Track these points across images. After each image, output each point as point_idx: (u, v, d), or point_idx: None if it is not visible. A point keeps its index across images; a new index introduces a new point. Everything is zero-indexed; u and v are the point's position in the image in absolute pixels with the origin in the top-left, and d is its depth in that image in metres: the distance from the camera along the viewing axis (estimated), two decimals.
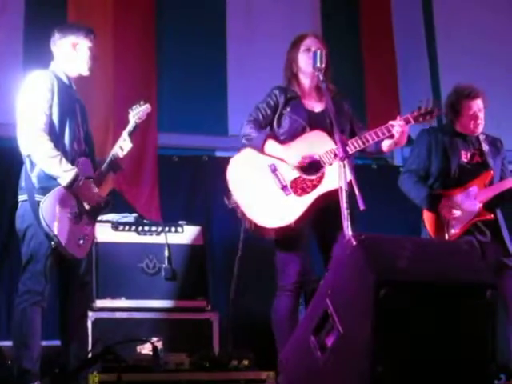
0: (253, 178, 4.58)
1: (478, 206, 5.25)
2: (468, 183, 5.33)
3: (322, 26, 7.93)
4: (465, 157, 5.40)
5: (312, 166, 4.56)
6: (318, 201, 4.50)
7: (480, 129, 5.42)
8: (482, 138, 5.46)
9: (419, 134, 5.56)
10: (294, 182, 4.55)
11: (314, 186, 4.53)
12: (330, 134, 4.53)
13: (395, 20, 8.26)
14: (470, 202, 5.26)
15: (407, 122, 4.58)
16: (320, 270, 4.55)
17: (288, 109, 4.69)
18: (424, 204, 5.38)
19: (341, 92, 4.80)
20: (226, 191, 4.61)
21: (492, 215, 5.26)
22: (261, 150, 4.58)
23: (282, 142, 4.62)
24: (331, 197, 4.36)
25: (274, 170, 4.57)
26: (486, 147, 5.43)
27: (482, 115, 5.40)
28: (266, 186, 4.55)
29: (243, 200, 4.53)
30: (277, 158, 4.59)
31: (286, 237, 4.55)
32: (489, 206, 5.28)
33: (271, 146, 4.59)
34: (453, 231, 5.25)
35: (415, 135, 5.75)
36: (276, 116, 4.72)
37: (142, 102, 4.83)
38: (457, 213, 5.24)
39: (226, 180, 4.60)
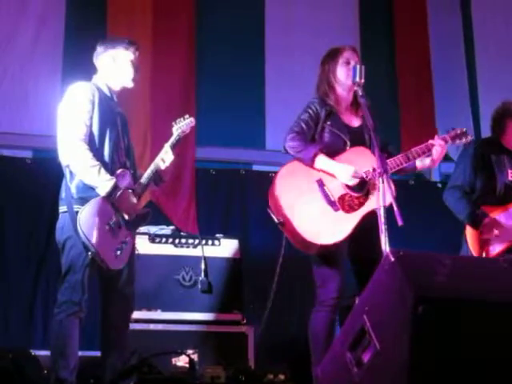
0: (300, 192, 4.51)
1: None
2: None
3: (360, 40, 7.93)
4: (511, 176, 5.35)
5: (359, 183, 4.53)
6: (364, 219, 4.47)
7: None
8: None
9: (464, 149, 5.51)
10: (342, 198, 4.51)
11: (361, 204, 4.50)
12: (370, 150, 4.55)
13: (432, 39, 8.25)
14: (511, 222, 5.21)
15: (445, 141, 4.63)
16: (354, 287, 4.53)
17: (328, 122, 4.66)
18: (467, 220, 5.33)
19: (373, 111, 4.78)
20: (270, 205, 4.56)
21: None
22: (310, 163, 4.54)
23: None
24: (373, 215, 4.37)
25: (321, 185, 4.53)
26: None
27: None
28: (313, 201, 4.49)
29: (292, 215, 4.46)
30: (326, 173, 4.55)
31: (328, 253, 4.51)
32: None
33: (322, 160, 4.54)
34: (492, 249, 5.20)
35: (452, 153, 5.74)
36: (318, 129, 4.68)
37: (186, 116, 4.87)
38: (498, 232, 5.19)
39: (273, 194, 4.53)
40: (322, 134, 4.67)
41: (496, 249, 5.20)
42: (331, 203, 4.49)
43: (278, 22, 7.89)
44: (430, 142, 4.59)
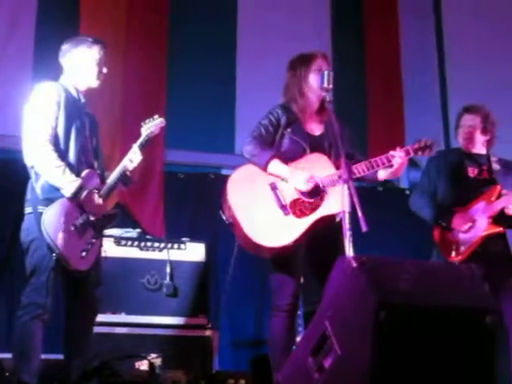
0: (252, 195, 4.52)
1: (486, 220, 5.24)
2: (476, 199, 5.34)
3: (332, 45, 7.96)
4: (472, 172, 5.43)
5: (313, 189, 4.53)
6: (316, 224, 4.47)
7: (467, 144, 5.48)
8: (493, 159, 5.47)
9: (430, 156, 5.58)
10: (294, 202, 4.51)
11: (313, 209, 4.50)
12: (329, 157, 4.58)
13: (404, 36, 8.29)
14: (478, 217, 5.26)
15: (407, 153, 4.56)
16: (319, 292, 4.53)
17: (289, 129, 4.66)
18: (436, 220, 5.40)
19: (341, 117, 4.79)
20: (222, 206, 4.57)
21: (501, 228, 5.26)
22: (264, 168, 4.55)
23: (284, 163, 4.60)
24: (328, 221, 4.37)
25: (274, 189, 4.54)
26: (496, 167, 5.43)
27: (472, 131, 5.46)
28: (265, 204, 4.50)
29: (242, 216, 4.47)
30: (279, 178, 4.55)
31: (283, 258, 4.52)
32: (498, 220, 5.27)
33: (276, 165, 4.55)
34: (463, 248, 5.25)
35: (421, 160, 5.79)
36: (278, 136, 4.69)
37: (156, 116, 4.82)
38: (468, 227, 5.23)
39: (224, 195, 4.54)
40: (282, 141, 4.67)
41: (465, 248, 5.24)
42: (282, 207, 4.49)
43: (251, 25, 7.90)
44: (391, 153, 4.54)
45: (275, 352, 4.49)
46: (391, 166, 4.55)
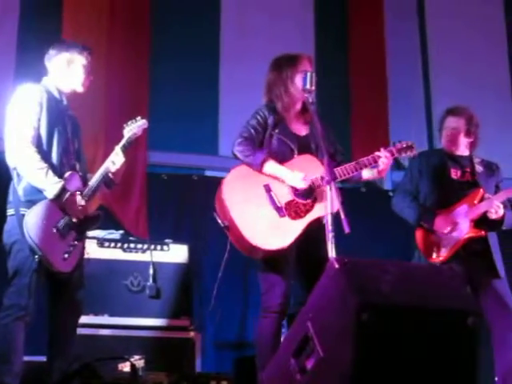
0: (247, 197, 4.52)
1: (469, 223, 5.25)
2: (459, 201, 5.34)
3: (315, 47, 7.97)
4: (455, 174, 5.43)
5: (306, 191, 4.55)
6: (309, 226, 4.49)
7: (450, 146, 5.48)
8: (476, 160, 5.48)
9: (412, 157, 5.58)
10: (288, 204, 4.53)
11: (307, 211, 4.53)
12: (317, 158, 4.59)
13: (388, 39, 8.31)
14: (460, 220, 5.26)
15: (391, 154, 4.67)
16: (302, 293, 4.53)
17: (276, 130, 4.68)
18: (418, 222, 5.40)
19: (324, 118, 4.80)
20: (216, 209, 4.56)
21: (483, 232, 5.25)
22: (259, 169, 4.56)
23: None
24: (318, 222, 4.39)
25: (268, 190, 4.55)
26: (479, 168, 5.43)
27: (456, 133, 5.45)
28: (260, 206, 4.51)
29: (239, 218, 4.46)
30: (274, 179, 4.57)
31: (274, 259, 4.52)
32: (480, 223, 5.28)
33: (271, 165, 4.57)
34: (444, 250, 5.25)
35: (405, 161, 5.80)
36: (266, 136, 4.70)
37: (138, 118, 4.82)
38: (448, 231, 5.24)
39: (220, 198, 4.53)
40: (270, 141, 4.68)
41: (446, 250, 5.25)
42: (278, 209, 4.50)
43: (234, 27, 7.91)
44: (376, 153, 4.63)
45: (262, 353, 4.47)
46: (377, 166, 4.62)
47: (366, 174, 4.73)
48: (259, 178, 4.57)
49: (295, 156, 4.65)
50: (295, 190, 4.55)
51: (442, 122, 5.56)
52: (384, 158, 4.61)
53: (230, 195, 4.53)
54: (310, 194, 4.55)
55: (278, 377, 3.53)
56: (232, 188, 4.56)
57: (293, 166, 4.59)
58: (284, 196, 4.55)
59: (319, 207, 4.50)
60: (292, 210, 4.52)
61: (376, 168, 4.66)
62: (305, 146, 4.68)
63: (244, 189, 4.55)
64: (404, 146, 4.74)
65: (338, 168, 4.56)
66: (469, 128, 5.46)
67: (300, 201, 4.54)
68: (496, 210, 5.21)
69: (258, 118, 4.70)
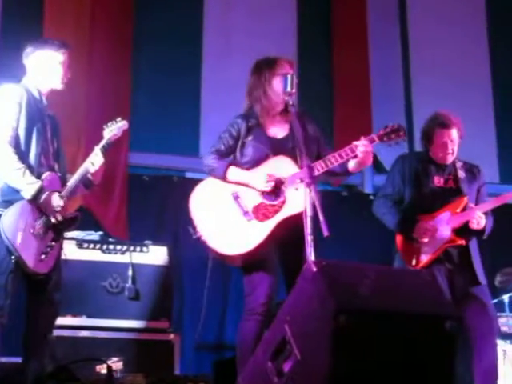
0: (215, 208, 4.57)
1: (450, 231, 5.24)
2: (441, 208, 5.32)
3: (298, 44, 7.98)
4: (438, 182, 5.39)
5: (275, 192, 4.54)
6: (281, 226, 4.47)
7: (449, 159, 5.39)
8: (458, 165, 5.42)
9: (394, 160, 5.57)
10: (256, 207, 4.53)
11: (276, 211, 4.51)
12: (294, 159, 4.52)
13: (371, 39, 8.32)
14: (442, 227, 5.25)
15: (371, 141, 4.55)
16: (282, 294, 4.52)
17: (250, 137, 4.67)
18: (398, 228, 5.37)
19: (307, 113, 4.79)
20: (190, 221, 4.58)
21: (463, 241, 5.23)
22: (223, 178, 4.59)
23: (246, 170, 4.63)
24: (295, 222, 4.36)
25: (236, 198, 4.56)
26: (462, 174, 5.39)
27: (453, 146, 5.37)
28: (228, 215, 4.53)
29: (206, 230, 4.51)
30: (240, 184, 4.58)
31: (253, 263, 4.52)
32: (461, 232, 5.27)
33: (234, 172, 4.59)
34: (424, 257, 5.24)
35: (387, 164, 5.79)
36: (238, 145, 4.70)
37: (118, 119, 4.81)
38: (429, 237, 5.23)
39: (190, 211, 4.58)
40: (244, 150, 4.68)
41: (428, 254, 5.24)
42: (245, 214, 4.52)
43: (217, 26, 7.90)
44: (354, 143, 4.52)
45: (243, 355, 4.43)
46: (356, 156, 4.54)
47: (352, 165, 4.66)
48: (227, 187, 4.60)
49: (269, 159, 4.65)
50: (263, 192, 4.55)
51: (437, 135, 5.38)
52: (362, 146, 4.48)
53: (198, 208, 4.58)
54: (279, 195, 4.55)
55: (255, 380, 3.52)
56: (200, 200, 4.61)
57: (265, 167, 4.59)
58: (252, 200, 4.55)
59: (289, 207, 4.48)
60: (260, 213, 4.52)
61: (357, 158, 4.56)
62: (281, 149, 4.65)
63: (212, 200, 4.60)
64: (388, 130, 4.62)
65: (317, 162, 4.52)
66: (460, 135, 5.43)
67: (269, 203, 4.54)
68: (478, 221, 5.19)
69: (231, 129, 4.71)
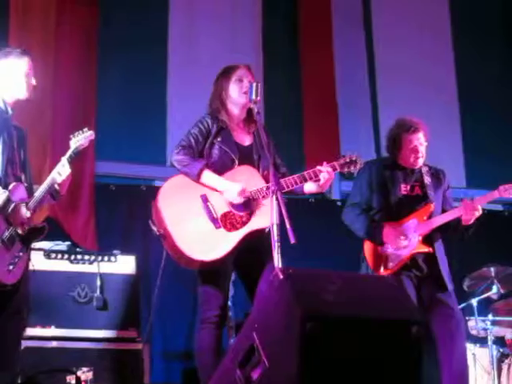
0: (183, 207, 4.52)
1: (417, 238, 5.26)
2: (408, 216, 5.35)
3: (264, 54, 8.01)
4: (404, 189, 5.41)
5: (244, 203, 4.55)
6: (246, 238, 4.49)
7: (420, 162, 5.43)
8: (424, 170, 5.46)
9: (361, 167, 5.58)
10: (224, 215, 4.53)
11: (244, 223, 4.52)
12: (258, 170, 4.61)
13: (336, 43, 8.38)
14: (409, 234, 5.28)
15: (333, 169, 4.66)
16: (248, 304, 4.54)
17: (219, 139, 4.68)
18: (367, 236, 5.40)
19: (274, 127, 4.82)
20: (152, 217, 4.54)
21: (430, 249, 5.27)
22: (196, 178, 4.55)
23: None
24: (257, 234, 4.39)
25: (205, 201, 4.54)
26: (427, 180, 5.42)
27: (422, 149, 5.40)
28: (196, 217, 4.50)
29: (173, 228, 4.46)
30: (211, 189, 4.56)
31: (211, 270, 4.53)
32: (428, 239, 5.31)
33: (208, 176, 4.56)
34: (391, 264, 5.27)
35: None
36: (207, 144, 4.69)
37: (85, 129, 4.76)
38: (396, 245, 5.26)
39: (156, 206, 4.52)
40: (211, 150, 4.69)
41: (395, 261, 5.27)
42: (213, 220, 4.50)
43: (182, 33, 7.91)
44: (318, 168, 4.62)
45: (202, 364, 4.47)
46: (318, 180, 4.61)
47: (308, 187, 4.74)
48: (197, 188, 4.57)
49: (235, 166, 4.65)
50: (232, 202, 4.55)
51: (401, 139, 5.42)
52: (325, 173, 4.59)
53: (165, 204, 4.52)
54: (248, 206, 4.56)
55: None
56: (168, 197, 4.55)
57: (232, 176, 4.60)
58: (221, 207, 4.55)
59: (257, 220, 4.51)
60: (228, 222, 4.52)
61: (317, 182, 4.64)
62: (246, 157, 4.69)
63: (180, 198, 4.55)
64: (347, 160, 4.73)
65: (282, 180, 4.55)
66: (426, 139, 5.46)
67: (236, 212, 4.54)
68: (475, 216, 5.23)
69: (200, 126, 4.70)
